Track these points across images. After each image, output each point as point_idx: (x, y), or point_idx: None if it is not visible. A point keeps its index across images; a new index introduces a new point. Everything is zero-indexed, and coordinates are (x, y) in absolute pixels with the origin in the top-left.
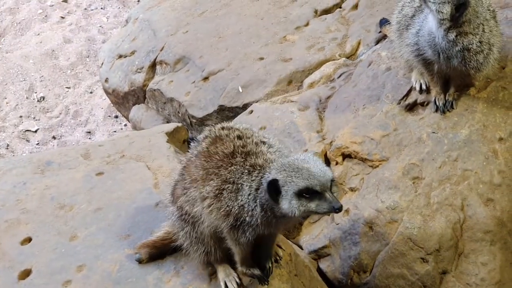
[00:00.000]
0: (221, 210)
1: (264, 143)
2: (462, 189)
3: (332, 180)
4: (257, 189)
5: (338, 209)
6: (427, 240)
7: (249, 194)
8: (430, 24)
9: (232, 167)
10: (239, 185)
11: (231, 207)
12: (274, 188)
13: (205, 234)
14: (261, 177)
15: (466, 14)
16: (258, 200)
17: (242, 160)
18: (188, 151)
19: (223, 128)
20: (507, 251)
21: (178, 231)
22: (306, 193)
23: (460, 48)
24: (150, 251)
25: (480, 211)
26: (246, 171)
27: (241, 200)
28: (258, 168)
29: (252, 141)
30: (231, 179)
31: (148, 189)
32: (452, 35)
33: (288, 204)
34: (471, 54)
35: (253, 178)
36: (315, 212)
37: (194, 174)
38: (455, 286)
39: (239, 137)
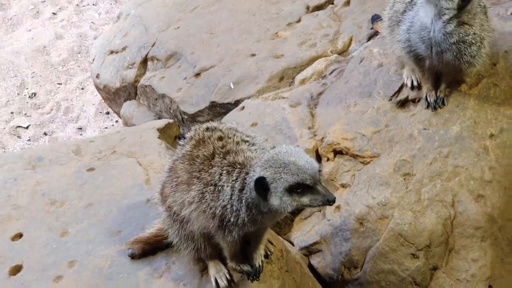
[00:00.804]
0: (206, 213)
1: (246, 141)
2: (453, 186)
3: (319, 170)
4: (241, 190)
5: (332, 201)
6: (418, 236)
7: (231, 195)
8: (423, 18)
9: (212, 169)
10: (220, 187)
11: (214, 208)
12: (262, 186)
13: (195, 233)
14: (244, 177)
15: (471, 3)
16: (244, 200)
17: (220, 159)
18: (176, 150)
19: (207, 129)
20: (497, 247)
21: (168, 229)
22: (297, 188)
23: (456, 40)
24: (143, 247)
25: (470, 207)
26: (224, 171)
27: (223, 201)
28: (238, 167)
29: (233, 140)
30: (212, 182)
31: (139, 185)
32: (451, 26)
33: (279, 201)
34: (466, 46)
35: (234, 177)
36: (309, 206)
37: (179, 177)
38: (446, 282)
39: (220, 138)
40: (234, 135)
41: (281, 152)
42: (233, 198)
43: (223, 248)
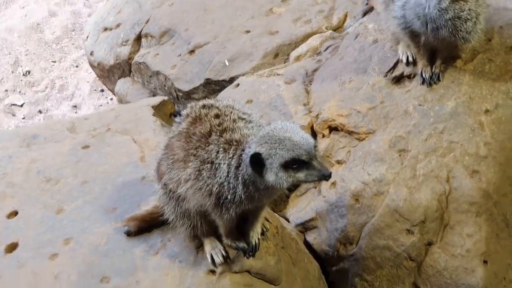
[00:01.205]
0: (202, 190)
1: (242, 119)
2: (448, 161)
3: (315, 146)
4: (237, 167)
5: (328, 176)
6: (413, 212)
7: (228, 172)
8: None
9: (209, 146)
10: (217, 165)
11: (211, 186)
12: (257, 162)
13: (191, 210)
14: (240, 154)
15: None
16: (240, 178)
17: (217, 137)
18: (172, 127)
19: (204, 107)
20: (492, 223)
21: (164, 206)
22: (293, 164)
23: (451, 16)
24: (139, 224)
25: (465, 183)
26: (221, 149)
27: (220, 178)
28: (235, 144)
29: (230, 118)
30: (208, 159)
31: (134, 162)
32: (445, 2)
33: (274, 177)
34: (461, 21)
35: (231, 155)
36: (305, 182)
37: (176, 154)
38: (441, 258)
39: (217, 116)
40: (231, 112)
41: (277, 128)
42: (229, 175)
43: (219, 226)
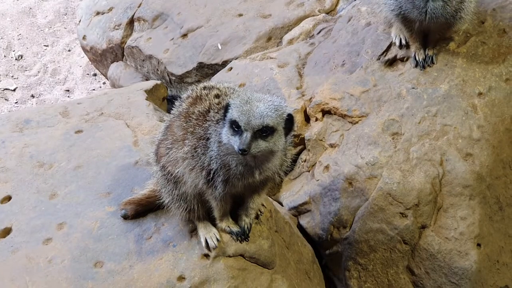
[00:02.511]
0: (197, 166)
1: None
2: (441, 144)
3: (265, 125)
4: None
5: (240, 151)
6: (406, 195)
7: (215, 141)
8: None
9: (206, 123)
10: (209, 136)
11: (203, 161)
12: (225, 110)
13: (188, 193)
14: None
15: None
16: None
17: (214, 114)
18: (172, 109)
19: (204, 88)
20: (486, 206)
21: (161, 189)
22: (235, 126)
23: (454, 9)
24: (136, 207)
25: (459, 166)
26: (215, 122)
27: (211, 150)
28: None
29: (230, 98)
30: (204, 136)
31: (127, 146)
32: None
33: (224, 130)
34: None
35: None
36: (230, 146)
37: (175, 135)
38: (434, 240)
39: (217, 96)
40: (232, 93)
41: (255, 96)
42: (214, 144)
43: (213, 208)
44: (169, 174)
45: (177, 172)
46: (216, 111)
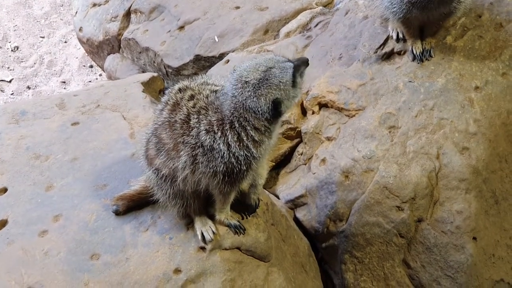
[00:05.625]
0: (206, 173)
1: (215, 91)
2: (438, 138)
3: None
4: (239, 138)
5: None
6: (403, 189)
7: (228, 149)
8: None
9: (192, 131)
10: (209, 147)
11: (214, 168)
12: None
13: (185, 191)
14: (228, 127)
15: None
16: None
17: (196, 120)
18: (155, 114)
19: (179, 91)
20: (482, 199)
21: (154, 187)
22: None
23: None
24: (127, 203)
25: (455, 159)
26: (203, 130)
27: (223, 158)
28: (216, 123)
29: (203, 95)
30: (197, 143)
31: (124, 139)
32: None
33: None
34: None
35: (219, 134)
36: None
37: (166, 144)
38: (430, 234)
39: (191, 97)
40: (204, 89)
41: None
42: (232, 150)
43: (217, 201)
44: (165, 177)
45: (179, 179)
46: (195, 116)
